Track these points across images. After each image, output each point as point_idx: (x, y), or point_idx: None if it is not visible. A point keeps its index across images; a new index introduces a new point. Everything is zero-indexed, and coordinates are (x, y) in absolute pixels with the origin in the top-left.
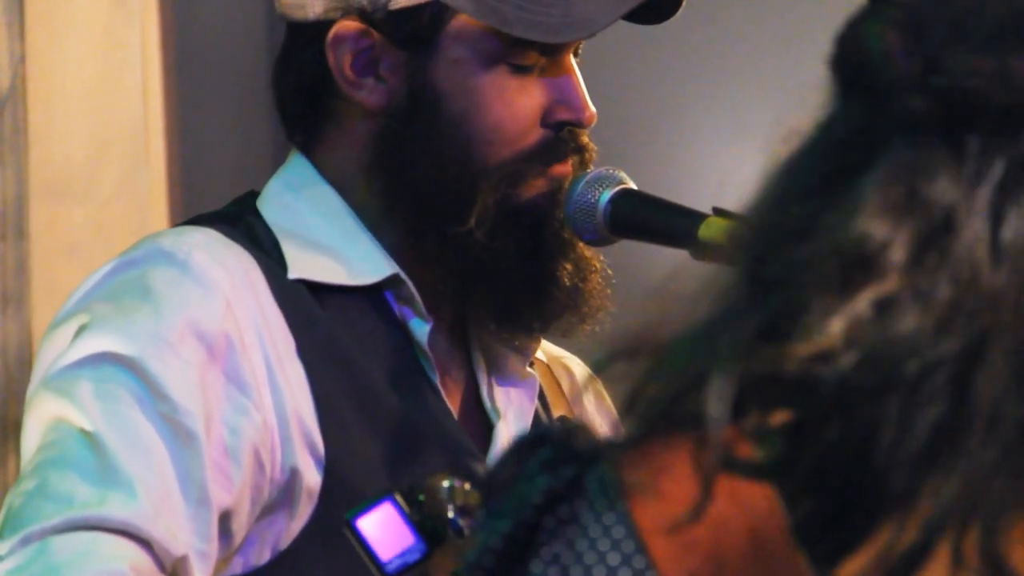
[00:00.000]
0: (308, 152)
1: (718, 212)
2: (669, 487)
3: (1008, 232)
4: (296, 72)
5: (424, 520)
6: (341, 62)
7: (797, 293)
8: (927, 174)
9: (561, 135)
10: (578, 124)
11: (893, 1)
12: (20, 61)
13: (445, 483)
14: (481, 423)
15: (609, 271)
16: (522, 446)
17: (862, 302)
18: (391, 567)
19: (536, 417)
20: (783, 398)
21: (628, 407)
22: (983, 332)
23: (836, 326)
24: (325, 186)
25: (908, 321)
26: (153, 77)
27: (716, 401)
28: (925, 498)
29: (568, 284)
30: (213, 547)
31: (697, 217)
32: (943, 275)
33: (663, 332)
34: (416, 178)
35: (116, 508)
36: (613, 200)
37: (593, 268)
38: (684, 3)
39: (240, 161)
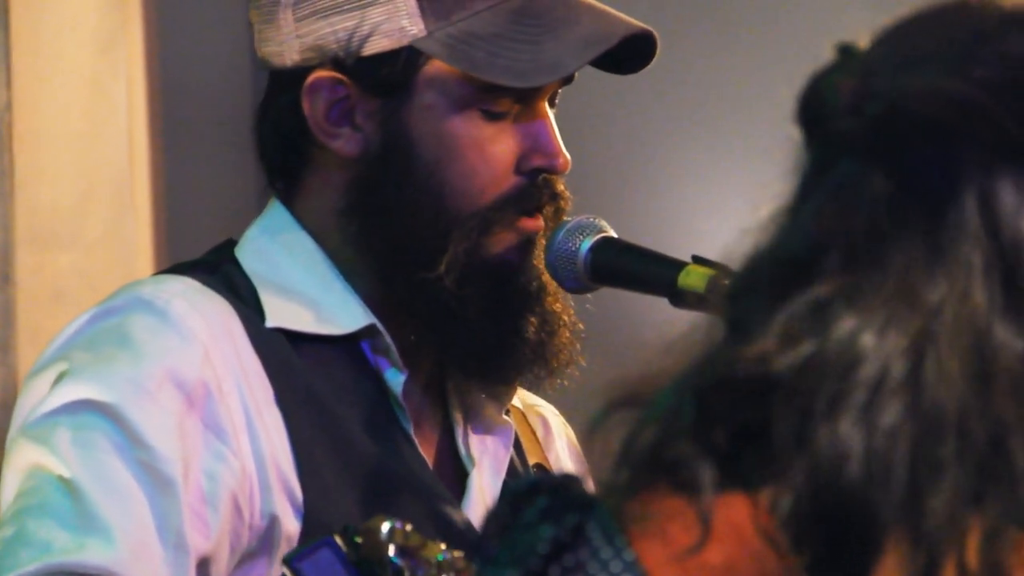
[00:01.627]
0: (288, 199)
1: (698, 260)
2: (675, 534)
3: (943, 239)
4: (274, 120)
5: (361, 561)
6: (316, 111)
7: (747, 304)
8: (861, 189)
9: (536, 182)
10: (552, 170)
11: (853, 51)
12: (7, 108)
13: (385, 525)
14: (456, 471)
15: (580, 325)
16: (517, 495)
17: (795, 305)
18: None
19: (511, 465)
20: (740, 403)
21: (621, 457)
22: (923, 336)
23: (774, 328)
24: (303, 234)
25: (848, 323)
26: (138, 124)
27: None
28: (921, 517)
29: (534, 338)
30: None
31: (677, 265)
32: (876, 281)
33: (658, 383)
34: (389, 224)
35: (94, 554)
36: (593, 248)
37: (561, 322)
38: (657, 54)
39: (225, 208)
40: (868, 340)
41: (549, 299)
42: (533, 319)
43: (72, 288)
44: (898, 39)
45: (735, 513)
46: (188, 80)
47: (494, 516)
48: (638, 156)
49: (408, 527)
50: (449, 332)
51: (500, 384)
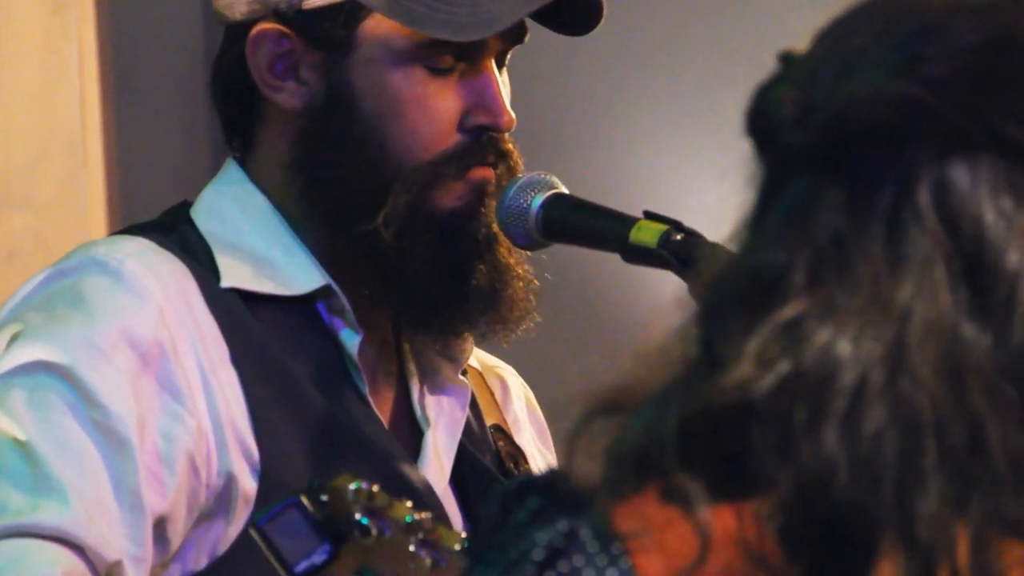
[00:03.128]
0: (243, 158)
1: (649, 216)
2: (671, 542)
3: (903, 242)
4: (224, 75)
5: (328, 521)
6: (260, 63)
7: (720, 322)
8: (816, 204)
9: (480, 140)
10: (495, 128)
11: (793, 59)
12: None
13: (352, 485)
14: (411, 431)
15: (536, 282)
16: (507, 495)
17: (765, 330)
18: (298, 568)
19: (467, 425)
20: (721, 430)
21: (607, 463)
22: (897, 342)
23: (748, 353)
24: (257, 194)
25: (823, 334)
26: (91, 84)
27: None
28: (911, 524)
29: (484, 286)
30: (148, 552)
31: (628, 221)
32: (845, 291)
33: (637, 393)
34: (331, 178)
35: (49, 515)
36: (545, 205)
37: (515, 275)
38: (604, 16)
39: (179, 168)
40: (844, 349)
41: (501, 250)
42: (482, 267)
43: (25, 248)
44: (837, 40)
45: (729, 522)
46: (140, 39)
47: (484, 516)
48: (592, 114)
49: (375, 488)
50: (391, 285)
51: (451, 335)
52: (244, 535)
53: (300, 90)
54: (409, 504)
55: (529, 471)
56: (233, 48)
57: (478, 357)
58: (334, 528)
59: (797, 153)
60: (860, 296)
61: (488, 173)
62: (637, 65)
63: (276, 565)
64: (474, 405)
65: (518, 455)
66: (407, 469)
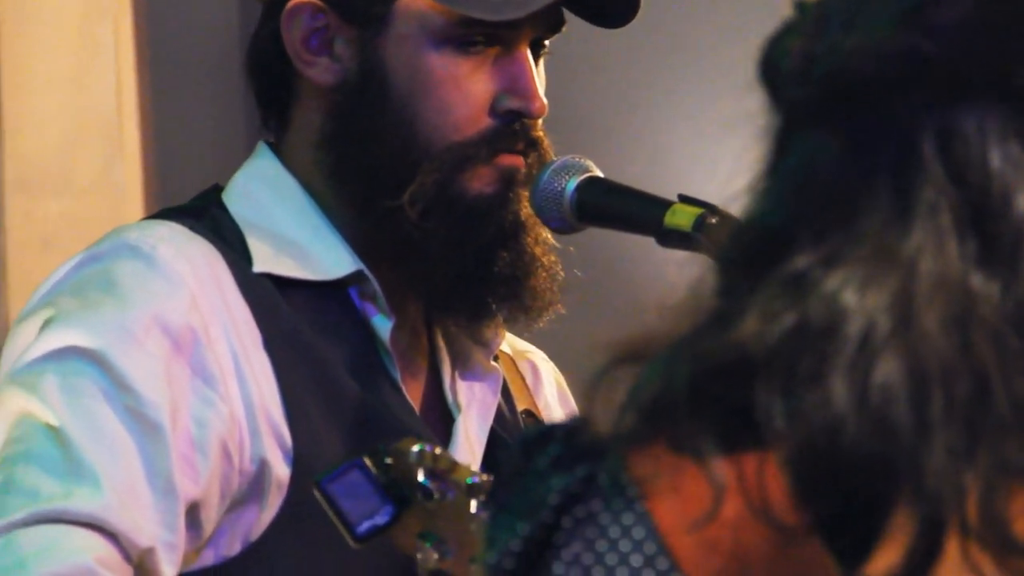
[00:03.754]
0: (276, 141)
1: (684, 199)
2: (686, 486)
3: (909, 193)
4: (259, 51)
5: (391, 483)
6: (294, 38)
7: (733, 277)
8: (821, 158)
9: (512, 126)
10: (527, 114)
11: (807, 8)
12: None
13: (415, 447)
14: (442, 417)
15: (562, 273)
16: (529, 442)
17: (771, 286)
18: (360, 529)
19: (499, 411)
20: (729, 387)
21: (624, 410)
22: (904, 292)
23: (752, 311)
24: (290, 179)
25: (829, 284)
26: (126, 69)
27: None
28: (921, 477)
29: (506, 273)
30: (180, 538)
31: (663, 204)
32: (851, 243)
33: (658, 343)
34: (360, 154)
35: (82, 501)
36: (579, 188)
37: (539, 264)
38: (640, 7)
39: (215, 151)
40: (850, 298)
41: (527, 239)
42: (505, 255)
43: (61, 234)
44: None
45: (737, 472)
46: (176, 21)
47: (506, 463)
48: (626, 97)
49: (437, 450)
50: (414, 265)
51: (472, 320)
52: (277, 520)
53: (334, 66)
54: (473, 468)
55: None
56: (269, 23)
57: (509, 342)
58: (397, 490)
59: (801, 107)
60: (866, 247)
61: (518, 161)
62: (672, 51)
63: (338, 525)
64: (505, 390)
65: None
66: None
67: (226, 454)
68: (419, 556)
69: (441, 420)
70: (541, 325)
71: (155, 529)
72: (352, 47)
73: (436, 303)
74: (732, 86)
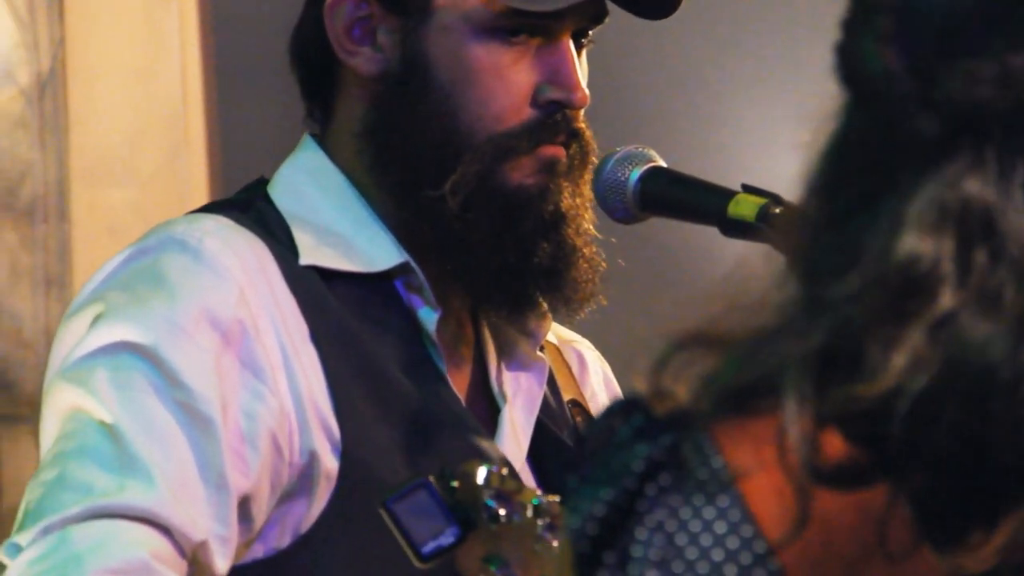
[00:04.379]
0: (321, 133)
1: (747, 189)
2: (773, 460)
3: None
4: (302, 40)
5: (457, 505)
6: (337, 27)
7: (853, 320)
8: (954, 187)
9: (554, 116)
10: (569, 104)
11: (879, 7)
12: (59, 44)
13: (482, 469)
14: (488, 407)
15: (604, 264)
16: (613, 412)
17: (917, 330)
18: (426, 549)
19: (545, 401)
20: (861, 430)
21: (703, 388)
22: None
23: (897, 361)
24: (335, 171)
25: (979, 330)
26: (192, 59)
27: (794, 426)
28: None
29: (547, 265)
30: (233, 531)
31: (727, 194)
32: (1000, 277)
33: (727, 329)
34: (402, 145)
35: (135, 496)
36: (643, 178)
37: (580, 256)
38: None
39: (279, 141)
40: (999, 346)
41: (568, 231)
42: (546, 246)
43: (127, 224)
44: None
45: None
46: (241, 12)
47: (590, 435)
48: (686, 86)
49: (504, 471)
50: (454, 255)
51: (514, 311)
52: (326, 513)
53: (376, 56)
54: (538, 491)
55: None
56: (312, 12)
57: (555, 331)
58: (463, 512)
59: (924, 135)
60: (1017, 282)
61: (559, 152)
62: (730, 39)
63: (404, 545)
64: (551, 380)
65: None
66: (486, 446)
67: (276, 447)
68: None
69: (487, 411)
70: (583, 316)
71: (208, 523)
72: (395, 37)
73: (478, 294)
74: (796, 74)
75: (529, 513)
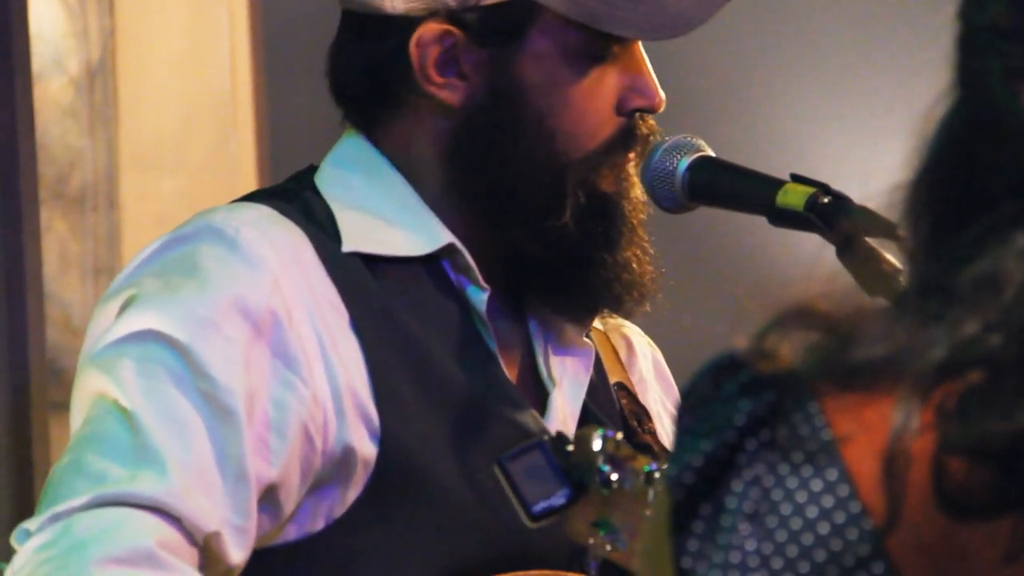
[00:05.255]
0: (367, 132)
1: (796, 179)
2: (875, 421)
3: None
4: (368, 62)
5: (571, 468)
6: (425, 62)
7: (990, 354)
8: None
9: (636, 123)
10: (651, 110)
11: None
12: (110, 34)
13: (597, 434)
14: (537, 391)
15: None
16: (718, 368)
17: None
18: (536, 508)
19: (591, 386)
20: (992, 462)
21: (811, 354)
22: None
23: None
24: (381, 160)
25: None
26: (241, 48)
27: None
28: None
29: (637, 270)
30: (251, 522)
31: (775, 184)
32: None
33: (830, 306)
34: (503, 173)
35: (146, 485)
36: (692, 167)
37: (648, 252)
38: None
39: (327, 130)
40: None
41: (641, 231)
42: (637, 252)
43: (176, 211)
44: None
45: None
46: (290, 3)
47: (693, 388)
48: (736, 76)
49: (619, 436)
50: (569, 272)
51: (589, 316)
52: (362, 498)
53: (461, 85)
54: (650, 459)
55: (653, 430)
56: (381, 38)
57: (600, 318)
58: (576, 475)
59: None
60: None
61: (633, 156)
62: (783, 30)
63: (515, 503)
64: (598, 364)
65: (642, 413)
66: (537, 429)
67: (307, 437)
68: (591, 543)
69: (536, 394)
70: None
71: (223, 513)
72: (482, 68)
73: (576, 305)
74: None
75: (641, 481)
